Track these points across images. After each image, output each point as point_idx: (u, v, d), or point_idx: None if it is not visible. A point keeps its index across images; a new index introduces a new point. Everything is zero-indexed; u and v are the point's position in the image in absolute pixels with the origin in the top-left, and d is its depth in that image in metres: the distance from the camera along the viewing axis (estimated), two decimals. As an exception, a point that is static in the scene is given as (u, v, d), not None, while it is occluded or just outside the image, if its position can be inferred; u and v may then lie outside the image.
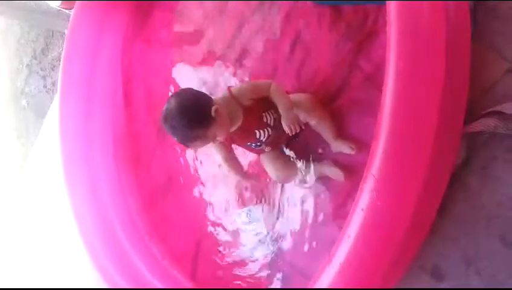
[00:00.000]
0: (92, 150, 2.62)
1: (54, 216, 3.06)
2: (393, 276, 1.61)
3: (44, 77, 3.97)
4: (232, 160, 2.01)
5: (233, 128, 1.87)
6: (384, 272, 1.54)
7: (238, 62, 2.38)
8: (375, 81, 1.91)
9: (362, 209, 1.48)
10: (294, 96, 1.97)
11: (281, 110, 1.86)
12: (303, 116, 1.89)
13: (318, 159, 2.02)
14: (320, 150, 2.03)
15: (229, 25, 2.44)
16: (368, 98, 1.92)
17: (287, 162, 2.05)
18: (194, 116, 1.70)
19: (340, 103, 1.98)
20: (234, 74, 2.39)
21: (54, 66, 3.95)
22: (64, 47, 2.73)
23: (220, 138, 1.81)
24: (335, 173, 1.93)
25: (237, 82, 2.36)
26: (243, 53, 2.37)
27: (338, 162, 1.95)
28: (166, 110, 1.71)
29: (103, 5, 2.71)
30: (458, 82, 1.55)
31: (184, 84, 2.59)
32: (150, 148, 2.64)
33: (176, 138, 1.74)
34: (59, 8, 3.11)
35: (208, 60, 2.51)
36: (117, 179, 2.61)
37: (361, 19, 1.98)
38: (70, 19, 2.74)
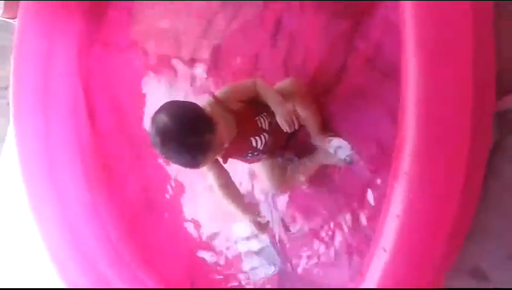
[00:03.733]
0: (57, 173, 2.20)
1: (26, 255, 2.63)
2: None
3: (-4, 98, 3.50)
4: (230, 186, 1.62)
5: (229, 140, 1.51)
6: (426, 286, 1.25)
7: (212, 61, 2.03)
8: (376, 63, 1.61)
9: (397, 216, 1.18)
10: (277, 86, 1.66)
11: (273, 107, 1.53)
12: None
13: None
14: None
15: (196, 19, 2.08)
16: (369, 82, 1.62)
17: (286, 170, 1.74)
18: (199, 123, 1.36)
19: (339, 91, 1.67)
20: (208, 75, 2.04)
21: (7, 85, 3.49)
22: (12, 60, 2.30)
23: (226, 143, 1.45)
24: (333, 159, 1.65)
25: (213, 85, 2.01)
26: (216, 50, 2.02)
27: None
28: (161, 130, 1.34)
29: (51, 8, 2.29)
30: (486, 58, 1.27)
31: (152, 89, 2.22)
32: (123, 164, 2.26)
33: (182, 160, 1.36)
34: (2, 19, 2.66)
35: (177, 59, 2.14)
36: (92, 205, 2.21)
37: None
38: (16, 28, 2.31)
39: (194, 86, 2.05)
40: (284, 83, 1.67)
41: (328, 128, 1.67)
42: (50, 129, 2.26)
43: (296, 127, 1.51)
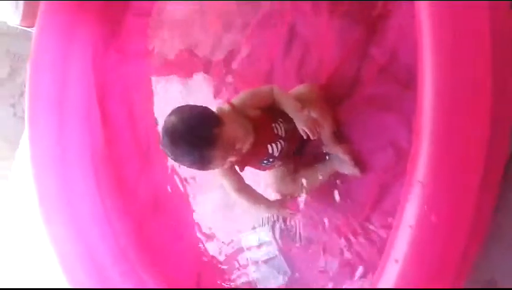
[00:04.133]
0: (70, 178, 2.18)
1: (36, 252, 2.63)
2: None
3: (13, 105, 3.55)
4: (246, 188, 1.62)
5: (246, 147, 1.49)
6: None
7: (226, 69, 2.02)
8: (391, 72, 1.58)
9: (410, 227, 1.14)
10: (291, 92, 1.66)
11: (291, 114, 1.52)
12: None
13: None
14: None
15: (212, 25, 2.08)
16: (384, 90, 1.58)
17: (297, 177, 1.70)
18: (205, 120, 1.40)
19: (353, 101, 1.63)
20: (223, 81, 2.02)
21: (23, 92, 3.54)
22: (28, 67, 2.32)
23: (238, 145, 1.43)
24: (349, 168, 1.60)
25: (225, 90, 2.00)
26: (230, 57, 2.01)
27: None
28: (170, 130, 1.38)
29: (67, 17, 2.30)
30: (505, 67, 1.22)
31: (168, 96, 2.22)
32: (135, 170, 2.24)
33: (191, 158, 1.38)
34: (20, 27, 2.70)
35: (191, 67, 2.13)
36: (101, 207, 2.19)
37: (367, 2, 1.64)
38: (33, 36, 2.34)
39: (208, 93, 2.03)
40: (299, 89, 1.66)
41: (341, 136, 1.63)
42: (63, 134, 2.25)
43: (318, 132, 1.49)
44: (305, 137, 1.49)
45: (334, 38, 1.69)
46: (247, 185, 1.62)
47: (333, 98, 1.66)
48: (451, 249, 1.13)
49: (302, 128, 1.48)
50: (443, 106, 1.16)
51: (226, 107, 1.51)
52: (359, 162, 1.58)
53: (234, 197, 1.62)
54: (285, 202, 1.67)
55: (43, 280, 2.52)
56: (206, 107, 1.46)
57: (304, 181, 1.68)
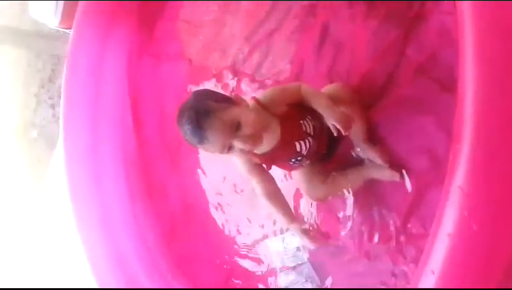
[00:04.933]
0: (101, 180, 2.19)
1: (68, 253, 2.66)
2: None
3: (52, 106, 3.61)
4: (276, 195, 1.53)
5: (273, 143, 1.44)
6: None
7: (257, 67, 1.98)
8: (428, 71, 1.49)
9: (449, 235, 1.05)
10: (322, 90, 1.58)
11: (322, 111, 1.43)
12: None
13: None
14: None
15: (243, 26, 2.05)
16: (421, 93, 1.49)
17: (327, 178, 1.61)
18: (213, 93, 1.41)
19: (387, 103, 1.55)
20: (253, 81, 1.99)
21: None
22: (64, 69, 2.35)
23: (245, 129, 1.32)
24: (386, 173, 1.51)
25: (257, 91, 1.96)
26: (261, 56, 1.97)
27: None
28: (181, 107, 1.37)
29: (104, 20, 2.32)
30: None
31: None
32: (164, 174, 2.23)
33: (188, 129, 1.30)
34: (59, 29, 2.74)
35: (222, 68, 2.10)
36: (131, 211, 2.18)
37: (404, 1, 1.57)
38: (70, 38, 2.37)
39: (236, 93, 2.00)
40: (329, 88, 1.59)
41: (374, 138, 1.55)
42: (96, 137, 2.26)
43: (351, 127, 1.40)
44: (335, 134, 1.41)
45: (368, 38, 1.63)
46: (278, 189, 1.54)
47: (366, 99, 1.59)
48: (494, 261, 1.04)
49: (333, 123, 1.39)
50: (484, 111, 1.08)
51: (252, 104, 1.44)
52: (395, 165, 1.50)
53: (262, 201, 1.55)
54: (308, 231, 1.49)
55: (74, 280, 2.54)
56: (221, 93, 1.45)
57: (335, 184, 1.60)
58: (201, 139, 1.31)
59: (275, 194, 1.53)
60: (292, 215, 1.54)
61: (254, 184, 1.54)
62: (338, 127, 1.38)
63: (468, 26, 1.18)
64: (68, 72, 2.31)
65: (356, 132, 1.52)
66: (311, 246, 1.49)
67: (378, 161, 1.51)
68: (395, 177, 1.49)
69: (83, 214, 2.17)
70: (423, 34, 1.52)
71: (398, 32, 1.56)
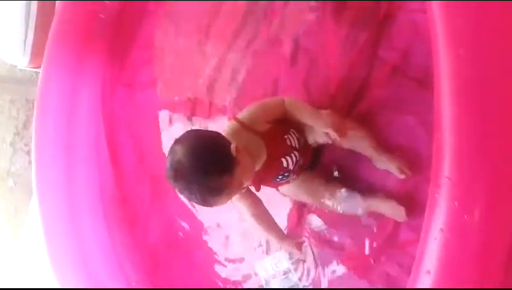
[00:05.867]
0: (78, 218, 2.08)
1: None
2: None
3: (28, 152, 3.51)
4: (263, 215, 1.48)
5: (259, 165, 1.36)
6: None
7: (231, 87, 1.92)
8: (404, 70, 1.46)
9: (441, 230, 0.98)
10: None
11: (312, 122, 1.40)
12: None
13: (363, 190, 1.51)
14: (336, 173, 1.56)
15: (213, 48, 2.01)
16: (399, 91, 1.47)
17: (322, 181, 1.56)
18: (216, 163, 1.19)
19: (366, 104, 1.51)
20: (228, 102, 1.93)
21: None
22: (35, 109, 2.27)
23: (246, 183, 1.28)
24: (393, 210, 1.43)
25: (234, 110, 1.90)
26: (235, 76, 1.92)
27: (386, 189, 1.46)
28: (174, 164, 1.19)
29: (74, 55, 2.26)
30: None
31: (175, 127, 2.13)
32: (145, 205, 2.12)
33: (194, 198, 1.20)
34: (28, 69, 2.68)
35: (197, 91, 2.05)
36: (111, 247, 2.07)
37: (371, 2, 1.55)
38: (39, 76, 2.30)
39: (212, 115, 1.94)
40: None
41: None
42: (71, 175, 2.16)
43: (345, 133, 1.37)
44: (329, 142, 1.37)
45: (340, 45, 1.59)
46: (265, 210, 1.49)
47: (345, 105, 1.54)
48: (492, 254, 0.97)
49: (326, 131, 1.35)
50: (464, 94, 1.04)
51: (234, 125, 1.37)
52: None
53: (249, 221, 1.49)
54: (299, 243, 1.48)
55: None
56: (218, 139, 1.27)
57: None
58: (212, 204, 1.24)
59: (263, 215, 1.49)
60: (282, 233, 1.52)
61: (242, 208, 1.47)
62: (332, 134, 1.34)
63: (438, 20, 1.15)
64: (38, 112, 2.22)
65: (366, 148, 1.46)
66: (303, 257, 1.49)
67: (397, 171, 1.43)
68: (402, 214, 1.41)
69: (59, 259, 2.05)
70: (394, 34, 1.50)
71: (368, 35, 1.53)
